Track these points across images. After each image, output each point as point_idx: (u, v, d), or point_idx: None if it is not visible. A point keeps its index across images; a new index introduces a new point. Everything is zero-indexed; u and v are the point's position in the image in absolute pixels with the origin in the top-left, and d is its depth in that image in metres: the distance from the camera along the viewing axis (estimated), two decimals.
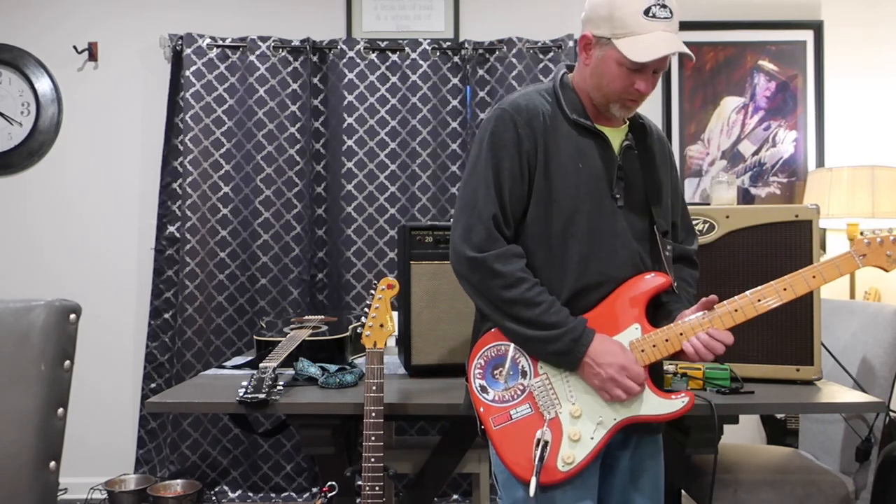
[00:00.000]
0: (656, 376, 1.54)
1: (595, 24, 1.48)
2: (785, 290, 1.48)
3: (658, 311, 1.57)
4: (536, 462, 1.42)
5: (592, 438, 1.46)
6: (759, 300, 1.48)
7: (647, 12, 1.42)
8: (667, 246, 1.56)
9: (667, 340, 1.48)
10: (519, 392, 1.50)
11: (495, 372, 1.52)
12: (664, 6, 1.43)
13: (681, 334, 1.48)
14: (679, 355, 1.50)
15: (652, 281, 1.52)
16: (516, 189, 1.50)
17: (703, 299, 1.49)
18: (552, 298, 1.48)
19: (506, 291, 1.46)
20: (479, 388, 1.53)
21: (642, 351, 1.48)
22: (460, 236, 1.50)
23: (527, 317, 1.46)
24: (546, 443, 1.44)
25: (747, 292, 1.49)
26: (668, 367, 1.93)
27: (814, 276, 1.48)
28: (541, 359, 1.50)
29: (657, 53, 1.42)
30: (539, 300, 1.46)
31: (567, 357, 1.46)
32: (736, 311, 1.48)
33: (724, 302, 1.49)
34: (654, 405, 1.47)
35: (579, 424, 1.47)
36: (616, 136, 1.56)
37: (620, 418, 1.46)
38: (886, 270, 1.49)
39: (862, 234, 1.51)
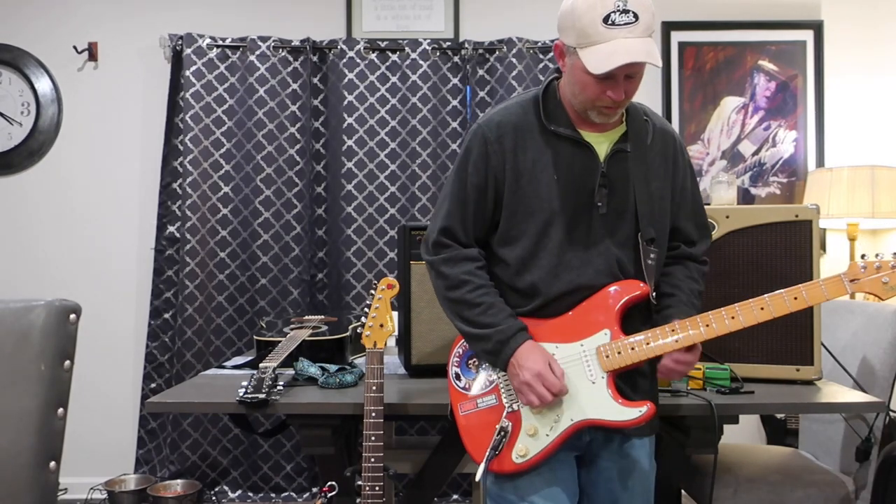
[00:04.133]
0: (628, 381, 1.54)
1: (565, 32, 1.46)
2: (762, 309, 1.45)
3: (656, 316, 1.56)
4: (489, 449, 1.48)
5: (548, 435, 1.48)
6: (733, 317, 1.46)
7: (606, 20, 1.38)
8: (650, 254, 1.54)
9: (632, 349, 1.48)
10: (487, 383, 1.57)
11: (470, 362, 1.61)
12: (626, 11, 1.38)
13: (647, 344, 1.48)
14: (653, 362, 1.52)
15: (627, 289, 1.52)
16: (482, 202, 1.57)
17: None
18: (492, 301, 1.54)
19: (450, 292, 1.56)
20: (453, 376, 1.61)
21: (606, 357, 1.49)
22: (423, 242, 1.65)
23: (467, 316, 1.54)
24: (505, 433, 1.49)
25: (722, 309, 1.47)
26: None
27: (795, 298, 1.44)
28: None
29: (612, 64, 1.37)
30: (478, 301, 1.53)
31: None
32: (707, 325, 1.47)
33: (697, 316, 1.48)
34: (611, 411, 1.47)
35: (537, 420, 1.49)
36: (604, 141, 1.55)
37: (576, 420, 1.48)
38: (881, 298, 1.43)
39: (863, 256, 1.45)
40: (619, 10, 1.38)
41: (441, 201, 1.62)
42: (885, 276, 1.42)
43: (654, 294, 1.54)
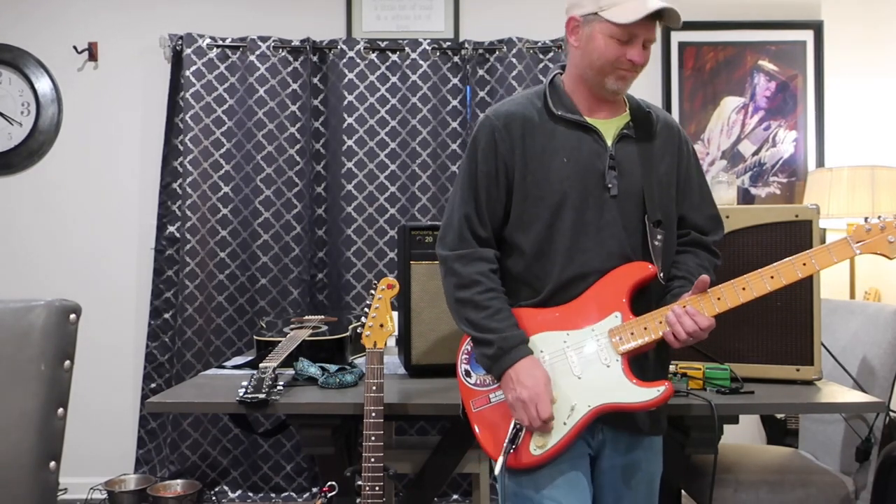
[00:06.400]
0: (637, 365, 1.52)
1: (580, 4, 1.52)
2: (772, 277, 1.45)
3: (667, 298, 1.56)
4: (506, 443, 1.46)
5: (566, 424, 1.46)
6: (744, 287, 1.46)
7: None
8: (656, 236, 1.54)
9: (645, 328, 1.48)
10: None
11: None
12: None
13: (659, 322, 1.47)
14: (661, 343, 1.49)
15: (635, 271, 1.52)
16: (493, 191, 1.57)
17: (697, 281, 1.46)
18: (500, 307, 1.52)
19: (459, 291, 1.55)
20: (463, 373, 1.60)
21: (619, 338, 1.48)
22: (438, 236, 1.63)
23: (473, 318, 1.53)
24: (521, 426, 1.47)
25: (732, 281, 1.46)
26: (669, 367, 1.92)
27: (804, 264, 1.44)
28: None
29: (645, 10, 1.42)
30: (486, 304, 1.52)
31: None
32: (719, 298, 1.46)
33: (708, 290, 1.47)
34: (630, 393, 1.46)
35: (553, 410, 1.46)
36: (610, 127, 1.57)
37: (595, 405, 1.46)
38: (889, 258, 1.42)
39: (866, 220, 1.45)
40: None
41: (452, 195, 1.62)
42: (891, 235, 1.41)
43: (661, 275, 1.54)
